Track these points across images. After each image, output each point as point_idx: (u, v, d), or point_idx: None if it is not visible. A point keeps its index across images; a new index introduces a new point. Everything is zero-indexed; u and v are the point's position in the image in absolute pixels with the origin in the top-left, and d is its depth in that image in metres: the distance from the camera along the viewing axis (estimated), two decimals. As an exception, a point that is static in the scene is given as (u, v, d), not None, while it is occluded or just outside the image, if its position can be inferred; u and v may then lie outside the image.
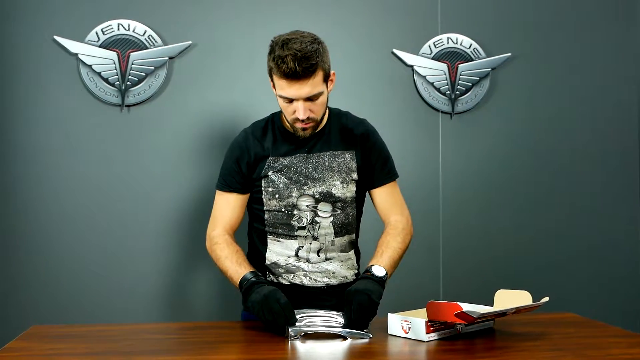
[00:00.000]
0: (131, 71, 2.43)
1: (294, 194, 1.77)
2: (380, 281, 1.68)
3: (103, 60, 2.42)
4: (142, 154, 2.47)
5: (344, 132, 1.85)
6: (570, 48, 2.74)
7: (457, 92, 2.64)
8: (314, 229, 1.79)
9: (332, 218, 1.80)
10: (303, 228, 1.78)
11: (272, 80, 1.71)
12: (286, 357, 1.42)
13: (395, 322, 1.55)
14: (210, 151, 2.50)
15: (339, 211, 1.81)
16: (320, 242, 1.80)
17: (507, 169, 2.69)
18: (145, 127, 2.47)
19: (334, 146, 1.82)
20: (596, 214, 2.75)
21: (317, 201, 1.78)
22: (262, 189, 1.79)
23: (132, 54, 2.43)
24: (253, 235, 1.89)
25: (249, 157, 1.80)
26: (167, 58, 2.46)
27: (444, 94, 2.63)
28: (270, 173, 1.78)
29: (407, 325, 1.52)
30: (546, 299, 1.57)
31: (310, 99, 1.67)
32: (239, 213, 1.84)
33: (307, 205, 1.78)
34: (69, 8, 2.41)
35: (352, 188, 1.82)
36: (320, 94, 1.68)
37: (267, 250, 1.83)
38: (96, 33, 2.41)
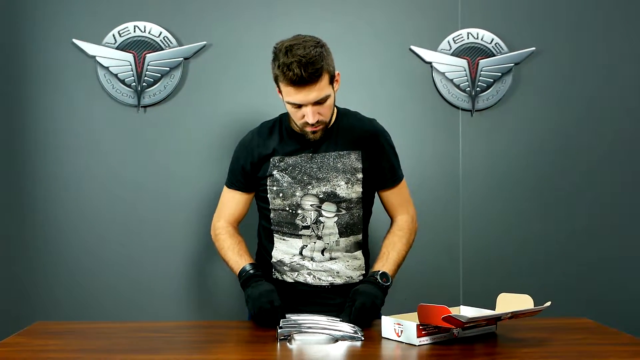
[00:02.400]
0: (147, 72, 2.46)
1: (297, 194, 1.77)
2: (384, 288, 1.72)
3: (120, 62, 2.46)
4: (158, 154, 2.49)
5: (351, 132, 1.83)
6: (598, 42, 2.59)
7: (478, 89, 2.56)
8: (317, 229, 1.78)
9: (336, 218, 1.79)
10: (307, 227, 1.78)
11: (278, 86, 1.72)
12: (276, 358, 1.40)
13: (388, 325, 1.51)
14: (225, 150, 2.48)
15: (343, 211, 1.79)
16: (325, 241, 1.79)
17: (530, 169, 2.57)
18: (161, 127, 2.49)
19: (340, 146, 1.81)
20: (624, 216, 2.60)
21: (322, 201, 1.78)
22: (267, 187, 1.80)
23: (147, 55, 2.46)
24: (261, 233, 1.91)
25: (253, 157, 1.82)
26: (182, 59, 2.48)
27: (463, 90, 2.55)
28: (275, 172, 1.79)
29: (399, 329, 1.48)
30: (548, 303, 1.49)
31: (319, 102, 1.67)
32: (242, 209, 1.91)
33: (311, 205, 1.77)
34: (86, 11, 2.46)
35: (358, 189, 1.80)
36: (327, 97, 1.68)
37: (274, 248, 1.84)
38: (113, 35, 2.46)
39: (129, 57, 2.46)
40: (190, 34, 2.49)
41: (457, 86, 2.55)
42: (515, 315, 1.46)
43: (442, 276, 2.57)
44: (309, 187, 1.77)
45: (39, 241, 2.46)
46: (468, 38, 2.55)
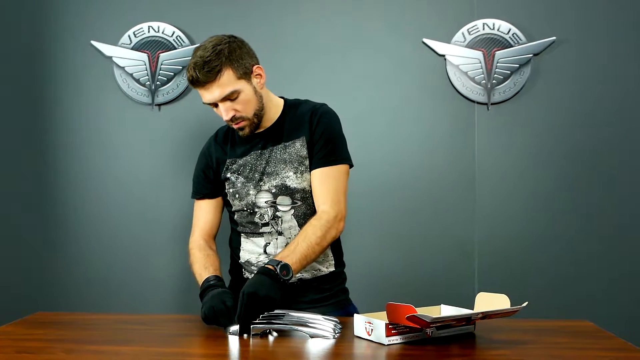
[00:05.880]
0: (160, 71, 2.53)
1: (251, 192, 1.77)
2: (281, 282, 1.55)
3: (135, 61, 2.53)
4: (172, 151, 2.55)
5: (296, 120, 1.79)
6: (621, 30, 2.44)
7: (494, 81, 2.46)
8: (277, 224, 1.77)
9: (292, 211, 1.76)
10: (266, 224, 1.77)
11: None
12: (248, 355, 1.40)
13: (360, 324, 1.48)
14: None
15: (299, 203, 1.76)
16: (286, 236, 1.77)
17: (549, 165, 2.46)
18: (174, 124, 2.55)
19: (286, 137, 1.78)
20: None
21: (275, 196, 1.76)
22: (226, 190, 1.82)
23: (161, 54, 2.53)
24: (231, 236, 1.91)
25: (212, 162, 1.85)
26: (193, 57, 2.52)
27: (479, 83, 2.47)
28: (229, 174, 1.80)
29: (369, 327, 1.45)
30: (525, 304, 1.42)
31: (228, 99, 1.67)
32: (213, 217, 1.87)
33: (265, 202, 1.76)
34: (103, 14, 2.55)
35: (308, 177, 1.76)
36: (235, 92, 1.67)
37: (241, 249, 1.84)
38: (128, 36, 2.53)
39: (143, 56, 2.53)
40: (201, 32, 2.53)
41: (472, 79, 2.47)
42: (487, 315, 1.40)
43: (456, 274, 2.50)
44: (261, 183, 1.76)
45: (60, 235, 2.57)
46: (484, 29, 2.47)
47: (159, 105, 2.55)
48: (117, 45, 2.54)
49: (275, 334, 1.50)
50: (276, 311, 1.56)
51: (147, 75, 2.53)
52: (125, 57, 2.53)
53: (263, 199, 1.76)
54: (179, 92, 2.53)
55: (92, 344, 1.45)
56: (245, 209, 1.78)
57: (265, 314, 1.56)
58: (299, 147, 1.76)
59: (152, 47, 2.53)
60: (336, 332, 1.49)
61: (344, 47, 2.51)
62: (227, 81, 1.65)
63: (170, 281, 2.54)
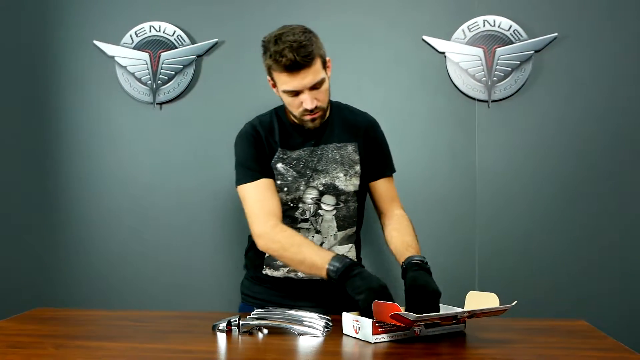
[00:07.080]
0: (162, 70, 2.54)
1: (302, 188, 1.76)
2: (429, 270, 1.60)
3: (136, 61, 2.55)
4: (173, 150, 2.56)
5: (347, 124, 1.83)
6: (625, 27, 2.39)
7: (495, 78, 2.44)
8: (316, 222, 1.77)
9: (335, 211, 1.78)
10: (306, 220, 1.77)
11: (272, 78, 1.71)
12: (236, 351, 1.41)
13: (348, 322, 1.48)
14: (238, 146, 2.53)
15: (341, 204, 1.78)
16: (323, 235, 1.78)
17: (551, 163, 2.42)
18: (175, 123, 2.56)
19: (338, 138, 1.80)
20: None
21: (321, 194, 1.77)
22: None
23: (162, 54, 2.54)
24: None
25: (263, 145, 1.76)
26: (194, 56, 2.53)
27: (479, 80, 2.45)
28: (279, 165, 1.76)
29: (357, 325, 1.45)
30: (514, 303, 1.41)
31: (315, 87, 1.66)
32: (278, 198, 1.72)
33: (311, 198, 1.77)
34: (106, 14, 2.57)
35: (356, 181, 1.79)
36: (323, 80, 1.67)
37: None
38: (130, 36, 2.55)
39: (145, 56, 2.55)
40: (203, 31, 2.54)
41: (473, 76, 2.45)
42: (474, 314, 1.39)
43: (456, 274, 2.46)
44: (311, 180, 1.76)
45: (62, 233, 2.59)
46: (484, 26, 2.44)
47: (160, 104, 2.56)
48: (119, 45, 2.56)
49: (265, 331, 1.50)
50: (271, 309, 1.57)
51: (149, 75, 2.55)
52: (127, 56, 2.55)
53: (310, 195, 1.77)
54: (179, 90, 2.54)
55: (82, 339, 1.46)
56: (290, 203, 1.77)
57: (261, 310, 1.57)
58: (351, 151, 1.79)
59: (154, 46, 2.55)
60: (325, 330, 1.49)
61: (343, 44, 2.51)
62: (318, 68, 1.65)
63: (170, 280, 2.55)
